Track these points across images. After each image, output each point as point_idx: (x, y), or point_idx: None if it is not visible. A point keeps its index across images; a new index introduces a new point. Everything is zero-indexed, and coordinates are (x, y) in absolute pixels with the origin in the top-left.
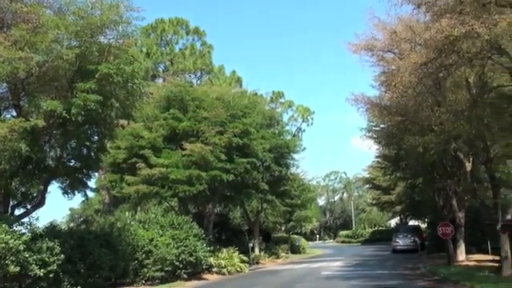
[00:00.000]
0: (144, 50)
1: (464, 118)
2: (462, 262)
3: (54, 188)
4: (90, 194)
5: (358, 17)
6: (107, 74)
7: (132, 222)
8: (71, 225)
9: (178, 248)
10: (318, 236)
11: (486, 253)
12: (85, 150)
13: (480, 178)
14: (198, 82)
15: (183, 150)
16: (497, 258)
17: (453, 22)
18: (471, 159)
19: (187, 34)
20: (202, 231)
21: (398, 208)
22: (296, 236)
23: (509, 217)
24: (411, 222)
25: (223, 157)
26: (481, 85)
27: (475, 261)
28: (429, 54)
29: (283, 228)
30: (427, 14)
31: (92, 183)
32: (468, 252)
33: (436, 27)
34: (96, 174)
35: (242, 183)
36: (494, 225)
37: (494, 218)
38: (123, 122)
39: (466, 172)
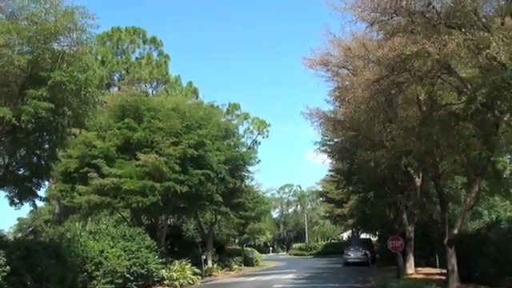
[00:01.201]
0: (99, 58)
1: (414, 135)
2: (411, 274)
3: (1, 197)
4: (40, 204)
5: (314, 31)
6: (60, 81)
7: (82, 233)
8: (19, 235)
9: (129, 260)
10: (271, 248)
11: (434, 266)
12: (35, 159)
13: (429, 193)
14: (154, 92)
15: (137, 160)
16: (444, 271)
17: (404, 40)
18: (421, 175)
19: (144, 43)
20: (155, 243)
21: (351, 221)
22: (249, 248)
23: (455, 231)
24: (363, 236)
25: (177, 168)
26: (431, 102)
27: (424, 274)
28: (381, 71)
29: (237, 240)
30: (380, 32)
31: (42, 192)
32: (417, 265)
33: (388, 45)
34: (46, 183)
35: (196, 195)
36: (442, 239)
37: (442, 232)
38: (75, 130)
39: (415, 187)
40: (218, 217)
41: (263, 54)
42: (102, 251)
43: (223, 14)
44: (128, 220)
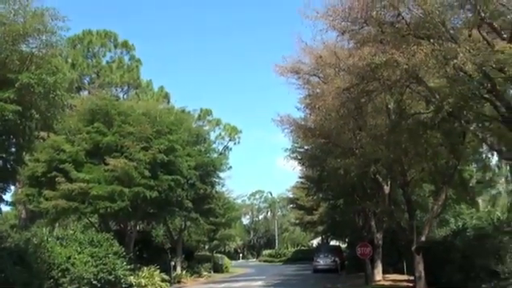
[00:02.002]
0: (69, 60)
1: (383, 143)
2: (379, 281)
3: None
4: (6, 209)
5: (286, 39)
6: (28, 83)
7: (49, 239)
8: None
9: (96, 266)
10: (241, 255)
11: (402, 273)
12: (0, 162)
13: (397, 200)
14: (125, 96)
15: (106, 165)
16: (411, 277)
17: (374, 50)
18: (389, 182)
19: (115, 47)
20: (123, 249)
21: (320, 228)
22: (219, 255)
23: (423, 238)
24: (332, 242)
25: (147, 173)
26: (399, 111)
27: (391, 280)
28: (352, 79)
29: (207, 246)
30: (351, 41)
31: (8, 197)
32: (385, 272)
33: (359, 54)
34: (12, 187)
35: (166, 200)
36: (410, 246)
37: (410, 239)
38: (44, 134)
39: (384, 194)
40: (188, 223)
41: (235, 61)
42: (69, 257)
43: (196, 20)
44: (96, 225)
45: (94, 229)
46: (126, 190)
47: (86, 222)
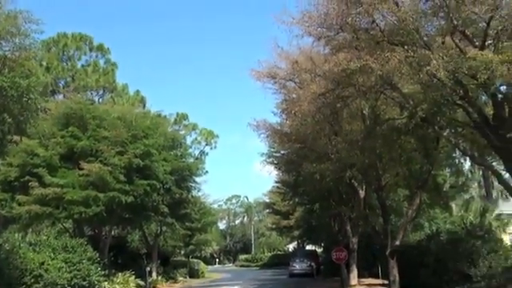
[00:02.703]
0: (44, 64)
1: (358, 148)
2: (355, 285)
3: None
4: None
5: (261, 43)
6: (0, 86)
7: (22, 245)
8: None
9: (70, 272)
10: (217, 260)
11: (377, 277)
12: None
13: (372, 205)
14: (100, 100)
15: (81, 169)
16: (386, 281)
17: (349, 56)
18: (364, 187)
19: (91, 50)
20: (97, 254)
21: (296, 233)
22: (195, 260)
23: (397, 242)
24: (308, 247)
25: (122, 178)
26: (374, 117)
27: (366, 285)
28: (327, 85)
29: (182, 252)
30: (326, 47)
31: None
32: (360, 276)
33: (334, 60)
34: None
35: (142, 205)
36: (385, 250)
37: (385, 243)
38: (16, 138)
39: (359, 199)
40: (164, 228)
41: (212, 65)
42: (43, 263)
43: (172, 25)
44: (70, 231)
45: (68, 234)
46: (101, 195)
47: (60, 228)
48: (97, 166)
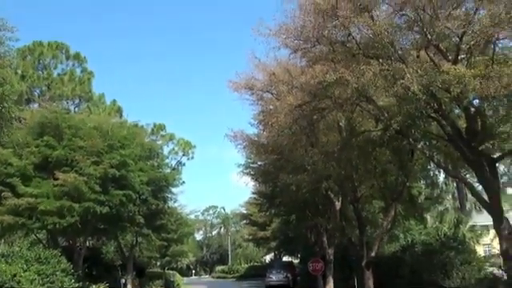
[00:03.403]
0: (19, 72)
1: (334, 159)
2: None
3: None
4: None
5: (239, 54)
6: None
7: None
8: None
9: (43, 284)
10: (193, 271)
11: None
12: None
13: (348, 216)
14: (77, 109)
15: (55, 179)
16: None
17: (326, 68)
18: (340, 198)
19: (67, 59)
20: (71, 266)
21: (273, 244)
22: (171, 271)
23: (373, 254)
24: (285, 258)
25: (98, 188)
26: (350, 129)
27: None
28: (304, 96)
29: (158, 263)
30: (303, 59)
31: None
32: (336, 287)
33: (311, 72)
34: None
35: (117, 216)
36: (361, 261)
37: (360, 254)
38: None
39: (335, 210)
40: (140, 239)
41: (190, 76)
42: (15, 275)
43: (150, 35)
44: (44, 242)
45: (41, 245)
46: (76, 206)
47: (34, 239)
48: (72, 175)
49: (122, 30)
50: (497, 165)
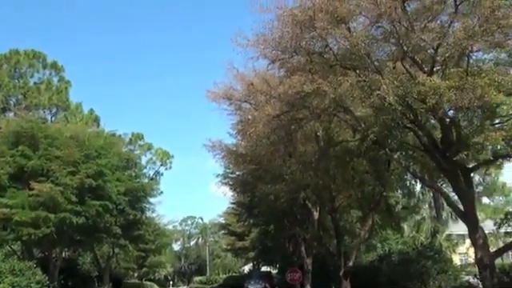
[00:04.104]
0: None
1: (312, 169)
2: None
3: None
4: None
5: (219, 65)
6: None
7: None
8: None
9: None
10: (171, 282)
11: None
12: None
13: (326, 226)
14: (53, 118)
15: (31, 189)
16: None
17: (303, 79)
18: (318, 208)
19: (44, 67)
20: (47, 278)
21: (252, 254)
22: (149, 282)
23: (350, 263)
24: (264, 268)
25: (74, 198)
26: (328, 139)
27: None
28: (282, 107)
29: (136, 274)
30: (281, 69)
31: None
32: None
33: (288, 83)
34: None
35: (94, 227)
36: (338, 271)
37: (338, 264)
38: None
39: (313, 220)
40: (117, 250)
41: (168, 86)
42: None
43: (128, 43)
44: (18, 253)
45: (16, 257)
46: (52, 216)
47: (8, 250)
48: (48, 186)
49: (101, 36)
50: (472, 175)
